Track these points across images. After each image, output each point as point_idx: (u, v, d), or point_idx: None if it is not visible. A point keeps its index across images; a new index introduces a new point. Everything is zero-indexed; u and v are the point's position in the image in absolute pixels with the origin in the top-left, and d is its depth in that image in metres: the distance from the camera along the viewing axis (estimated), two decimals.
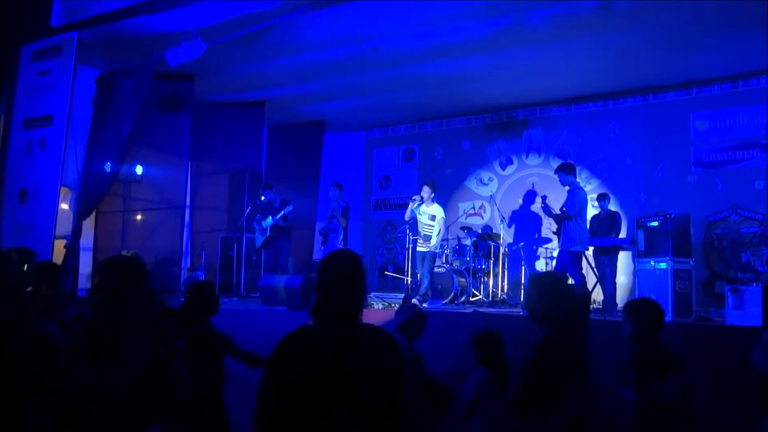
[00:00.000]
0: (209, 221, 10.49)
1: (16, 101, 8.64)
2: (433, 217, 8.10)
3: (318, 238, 9.55)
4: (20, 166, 8.42)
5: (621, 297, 8.47)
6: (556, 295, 3.13)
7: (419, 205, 8.16)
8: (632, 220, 8.91)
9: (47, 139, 8.20)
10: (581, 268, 6.95)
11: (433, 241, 8.03)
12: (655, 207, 8.48)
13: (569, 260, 6.79)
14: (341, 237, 8.51)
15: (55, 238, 7.94)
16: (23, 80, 8.60)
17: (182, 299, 4.09)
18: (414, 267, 8.33)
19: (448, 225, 9.96)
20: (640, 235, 6.26)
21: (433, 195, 8.17)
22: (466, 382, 3.39)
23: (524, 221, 10.20)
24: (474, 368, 3.43)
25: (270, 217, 8.66)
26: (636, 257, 6.58)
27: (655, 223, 6.05)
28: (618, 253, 8.07)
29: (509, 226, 9.71)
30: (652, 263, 5.87)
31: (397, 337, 3.76)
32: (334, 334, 2.05)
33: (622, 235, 8.37)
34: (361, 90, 9.69)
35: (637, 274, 6.35)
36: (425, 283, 7.90)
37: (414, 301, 6.92)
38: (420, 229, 8.18)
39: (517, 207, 10.20)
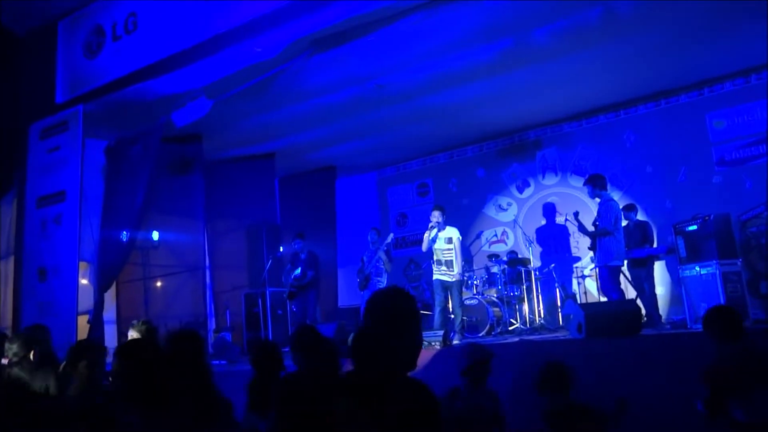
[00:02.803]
0: (230, 279, 10.34)
1: (27, 181, 8.63)
2: (449, 240, 7.55)
3: (343, 283, 9.33)
4: (37, 245, 8.35)
5: (662, 308, 8.17)
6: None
7: (438, 233, 7.64)
8: (661, 228, 8.67)
9: (62, 215, 8.16)
10: (620, 284, 6.67)
11: (456, 266, 7.48)
12: (682, 212, 8.21)
13: (607, 276, 6.52)
14: (385, 280, 8.24)
15: (78, 314, 7.80)
16: (33, 159, 8.62)
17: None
18: (437, 299, 7.56)
19: (473, 255, 9.76)
20: (680, 241, 6.00)
21: (444, 218, 7.66)
22: None
23: (550, 239, 9.96)
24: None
25: (299, 268, 8.46)
26: (678, 265, 6.30)
27: (694, 227, 5.80)
28: (654, 263, 7.79)
29: (539, 243, 9.45)
30: (698, 269, 5.61)
31: (461, 383, 3.53)
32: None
33: (655, 244, 8.09)
34: (369, 130, 9.62)
35: (683, 282, 6.06)
36: (459, 315, 7.55)
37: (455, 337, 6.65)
38: (439, 256, 7.56)
39: (540, 225, 10.01)
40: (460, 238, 7.80)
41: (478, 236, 10.39)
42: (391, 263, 8.43)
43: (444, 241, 7.56)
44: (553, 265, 9.01)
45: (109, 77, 7.85)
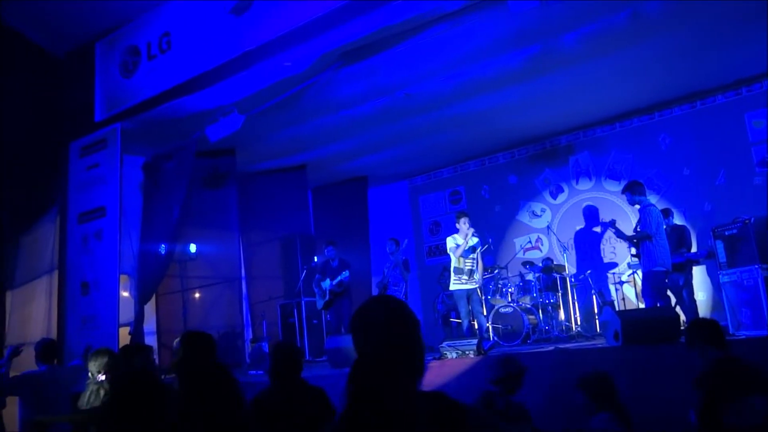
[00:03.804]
0: (266, 290, 10.45)
1: (69, 198, 8.90)
2: (473, 249, 7.43)
3: (377, 292, 9.34)
4: (79, 259, 8.60)
5: (703, 314, 7.96)
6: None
7: (479, 241, 7.51)
8: (700, 232, 8.48)
9: (103, 230, 8.38)
10: (665, 290, 6.51)
11: (477, 275, 7.37)
12: (722, 215, 8.04)
13: (649, 282, 6.37)
14: (404, 290, 8.24)
15: (119, 326, 8.00)
16: (74, 176, 8.89)
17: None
18: (462, 310, 7.36)
19: (506, 263, 9.70)
20: (719, 245, 5.84)
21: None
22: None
23: (586, 245, 9.81)
24: (589, 413, 3.14)
25: (328, 280, 8.56)
26: (718, 270, 6.13)
27: (734, 231, 5.65)
28: (692, 268, 7.61)
29: (576, 247, 9.32)
30: (739, 274, 5.46)
31: (495, 390, 3.53)
32: (378, 413, 1.51)
33: (694, 249, 7.91)
34: (399, 139, 9.64)
35: (723, 288, 5.89)
36: (483, 322, 7.44)
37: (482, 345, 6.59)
38: (461, 265, 7.38)
39: (579, 228, 9.87)
40: (482, 248, 7.73)
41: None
42: (408, 272, 8.42)
43: (469, 250, 7.44)
44: (589, 271, 8.88)
45: (145, 95, 8.06)
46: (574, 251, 9.97)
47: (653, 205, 6.80)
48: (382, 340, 1.62)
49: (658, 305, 6.15)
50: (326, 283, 8.62)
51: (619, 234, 6.97)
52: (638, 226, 6.70)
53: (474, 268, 7.36)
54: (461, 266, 7.37)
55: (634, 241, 6.72)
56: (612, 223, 7.00)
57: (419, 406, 1.55)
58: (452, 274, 7.39)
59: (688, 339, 3.52)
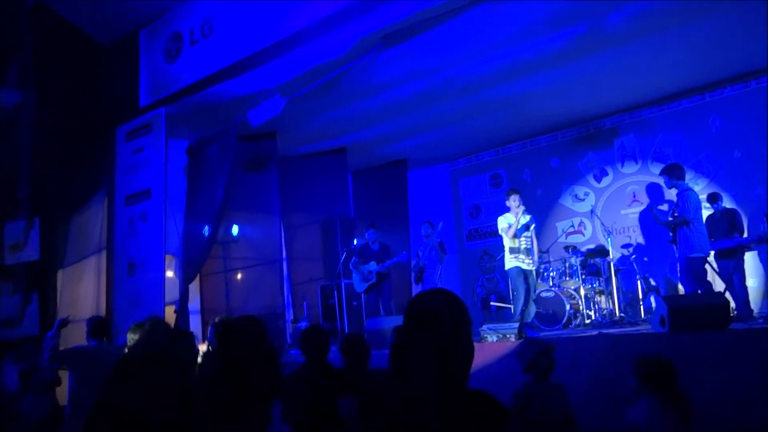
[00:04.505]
0: (307, 272, 10.58)
1: (116, 181, 9.14)
2: (527, 227, 7.22)
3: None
4: (126, 241, 8.83)
5: (754, 301, 7.74)
6: None
7: (531, 217, 7.31)
8: (752, 217, 8.21)
9: (148, 212, 8.58)
10: (705, 275, 6.35)
11: (535, 255, 7.21)
12: None
13: (689, 268, 6.22)
14: (439, 272, 8.25)
15: (164, 305, 8.21)
16: (120, 160, 9.11)
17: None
18: (519, 288, 7.11)
19: (548, 247, 9.57)
20: None
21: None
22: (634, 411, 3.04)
23: (653, 223, 9.42)
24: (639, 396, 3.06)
25: (374, 263, 8.60)
26: None
27: None
28: (744, 254, 7.38)
29: (642, 230, 9.04)
30: None
31: (528, 379, 3.50)
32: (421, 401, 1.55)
33: (745, 234, 7.66)
34: (440, 122, 9.56)
35: None
36: (533, 307, 7.31)
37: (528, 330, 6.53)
38: (515, 244, 7.14)
39: (641, 207, 9.57)
40: (534, 225, 7.51)
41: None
42: (445, 254, 8.36)
43: (523, 228, 7.25)
44: (633, 256, 8.69)
45: (188, 80, 8.16)
46: (639, 234, 9.65)
47: (691, 189, 6.62)
48: (425, 337, 1.61)
49: (699, 291, 6.01)
50: (371, 266, 8.66)
51: (656, 219, 6.81)
52: (676, 211, 6.54)
53: (530, 246, 7.18)
54: (516, 245, 7.13)
55: (672, 226, 6.55)
56: (648, 209, 6.86)
57: (458, 404, 1.55)
58: (507, 253, 7.18)
59: None
